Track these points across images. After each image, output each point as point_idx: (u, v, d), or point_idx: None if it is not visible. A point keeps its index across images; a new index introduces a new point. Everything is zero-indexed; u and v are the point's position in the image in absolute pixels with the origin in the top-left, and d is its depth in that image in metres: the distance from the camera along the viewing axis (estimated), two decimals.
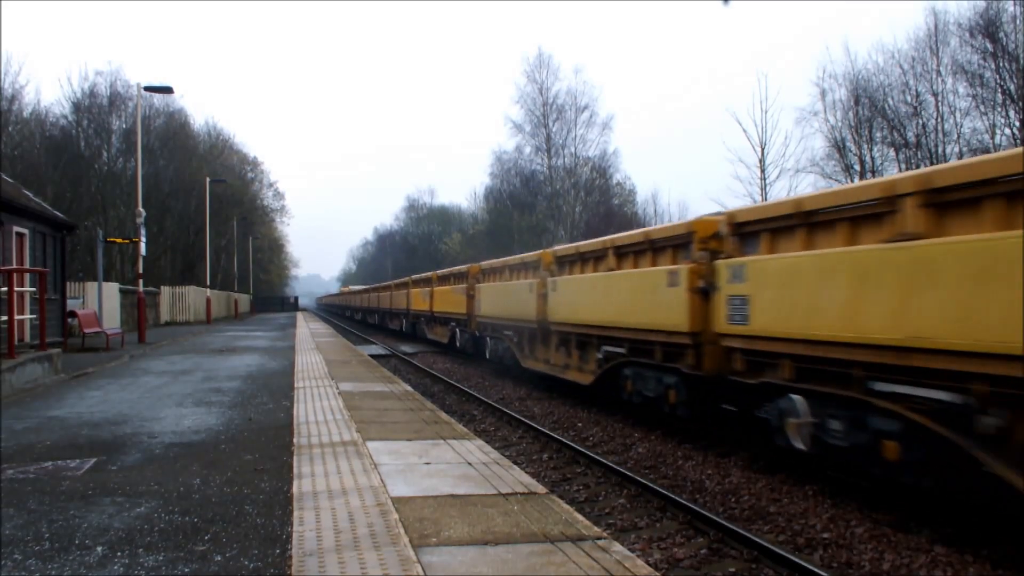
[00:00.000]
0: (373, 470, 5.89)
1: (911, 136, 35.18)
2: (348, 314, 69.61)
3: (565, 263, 14.29)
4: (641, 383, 10.87)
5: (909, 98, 35.02)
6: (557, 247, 15.26)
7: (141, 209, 23.82)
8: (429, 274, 29.36)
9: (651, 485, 7.83)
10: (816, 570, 5.42)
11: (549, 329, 14.49)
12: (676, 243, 10.17)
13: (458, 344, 23.85)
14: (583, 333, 12.86)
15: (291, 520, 4.58)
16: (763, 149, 39.57)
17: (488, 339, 19.61)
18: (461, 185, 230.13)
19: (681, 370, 9.56)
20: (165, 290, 39.26)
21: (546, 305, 14.40)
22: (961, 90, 33.30)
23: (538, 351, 15.60)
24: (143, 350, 19.27)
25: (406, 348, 28.24)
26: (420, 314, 30.14)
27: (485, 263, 21.30)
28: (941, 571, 5.61)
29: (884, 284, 6.21)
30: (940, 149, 33.87)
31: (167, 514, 4.77)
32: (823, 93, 37.87)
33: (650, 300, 10.14)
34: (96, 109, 46.14)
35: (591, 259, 13.14)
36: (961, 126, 33.42)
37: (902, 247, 6.12)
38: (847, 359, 6.73)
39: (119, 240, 30.06)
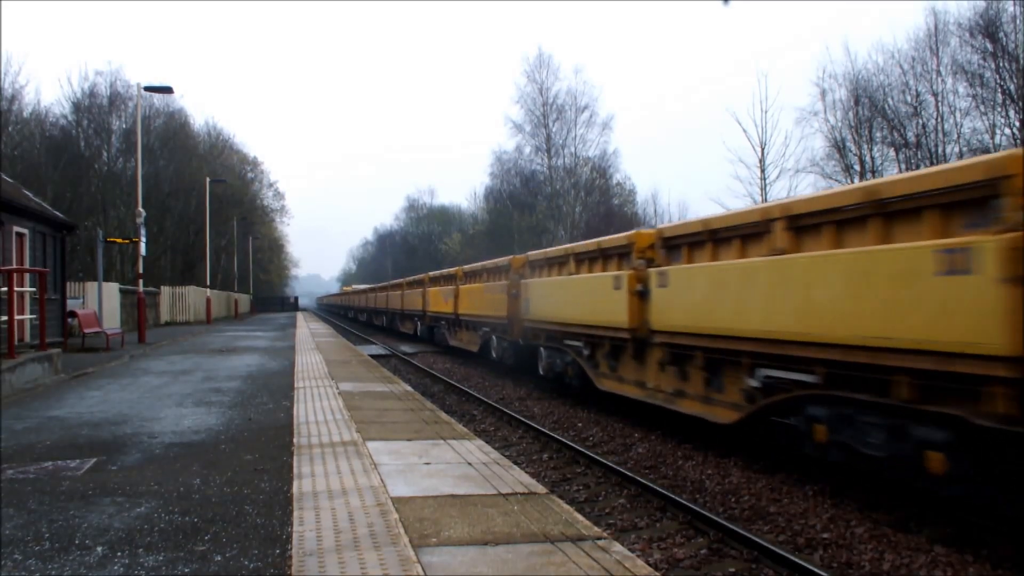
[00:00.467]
0: (373, 470, 5.89)
1: (911, 136, 35.22)
2: (351, 315, 68.62)
3: (679, 247, 10.45)
4: (851, 432, 6.93)
5: (909, 98, 35.08)
6: (665, 225, 11.57)
7: (141, 209, 23.85)
8: (452, 270, 25.66)
9: (651, 485, 7.83)
10: (816, 570, 5.42)
11: (649, 340, 10.82)
12: (945, 202, 6.15)
13: (494, 354, 19.42)
14: (720, 348, 8.95)
15: (291, 520, 4.58)
16: (763, 149, 39.66)
17: (542, 350, 15.58)
18: (461, 185, 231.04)
19: (967, 420, 5.72)
20: (165, 290, 39.30)
21: (646, 306, 10.72)
22: (961, 90, 33.40)
23: (626, 369, 11.80)
24: (143, 350, 19.27)
25: (406, 348, 28.24)
26: (440, 317, 26.13)
27: (534, 253, 17.25)
28: (941, 571, 5.61)
29: None
30: (940, 149, 33.90)
31: (167, 514, 4.77)
32: (823, 93, 37.99)
33: (896, 298, 6.24)
34: (96, 109, 46.25)
35: (733, 239, 9.08)
36: (961, 126, 33.51)
37: None
38: None
39: (119, 240, 30.13)
